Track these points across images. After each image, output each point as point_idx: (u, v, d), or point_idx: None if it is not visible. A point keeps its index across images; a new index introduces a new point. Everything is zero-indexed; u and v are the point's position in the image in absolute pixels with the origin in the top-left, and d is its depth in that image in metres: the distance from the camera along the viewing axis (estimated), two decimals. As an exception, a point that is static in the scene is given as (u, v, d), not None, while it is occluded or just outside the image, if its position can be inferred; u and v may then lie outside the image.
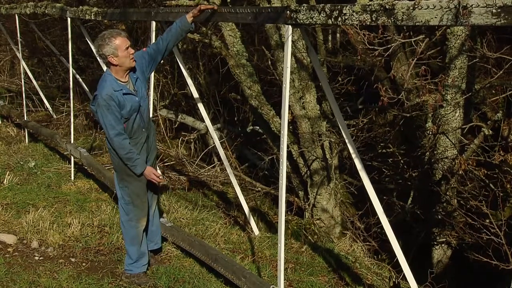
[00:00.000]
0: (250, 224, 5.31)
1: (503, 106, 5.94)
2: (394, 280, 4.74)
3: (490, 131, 5.58)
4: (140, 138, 4.09)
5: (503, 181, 5.06)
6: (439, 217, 5.86)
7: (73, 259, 4.61)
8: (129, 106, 3.93)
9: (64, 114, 9.77)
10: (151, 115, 4.60)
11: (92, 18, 6.07)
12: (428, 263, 5.91)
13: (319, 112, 5.79)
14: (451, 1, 2.44)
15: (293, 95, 5.55)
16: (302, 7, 3.16)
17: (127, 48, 3.87)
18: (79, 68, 10.68)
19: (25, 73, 9.20)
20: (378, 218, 3.73)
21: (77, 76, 9.06)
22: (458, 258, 5.93)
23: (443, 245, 5.93)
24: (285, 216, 3.94)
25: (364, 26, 3.72)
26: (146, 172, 4.06)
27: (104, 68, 6.55)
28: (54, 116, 9.83)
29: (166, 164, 7.61)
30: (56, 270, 4.39)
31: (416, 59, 4.81)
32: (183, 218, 5.57)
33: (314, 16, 3.10)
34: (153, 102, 5.67)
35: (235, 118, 8.74)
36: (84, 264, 4.55)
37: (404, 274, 3.68)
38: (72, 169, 6.79)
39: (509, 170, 5.04)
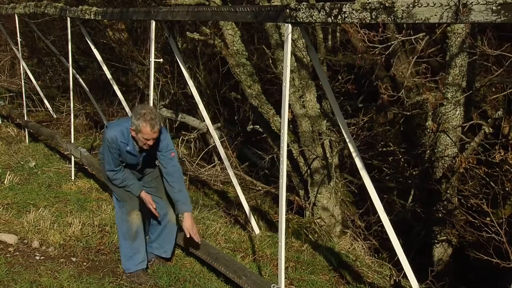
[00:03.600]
0: (250, 223, 5.31)
1: (503, 104, 5.94)
2: (394, 278, 4.74)
3: (491, 129, 5.58)
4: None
5: (503, 179, 5.06)
6: (440, 215, 5.85)
7: (74, 259, 4.61)
8: (127, 160, 4.12)
9: (64, 114, 9.78)
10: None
11: (92, 17, 6.08)
12: (429, 262, 5.90)
13: (319, 111, 5.79)
14: (451, -1, 2.44)
15: (293, 94, 5.55)
16: (302, 6, 3.16)
17: (147, 139, 3.92)
18: (79, 68, 10.68)
19: (25, 73, 9.19)
20: (378, 216, 3.73)
21: (77, 76, 9.04)
22: (458, 256, 5.93)
23: (443, 243, 5.93)
24: (286, 215, 3.94)
25: (364, 25, 3.72)
26: (143, 195, 4.24)
27: (104, 68, 6.60)
28: (54, 116, 9.84)
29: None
30: (57, 270, 4.38)
31: (416, 57, 4.81)
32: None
33: (313, 15, 3.10)
34: (153, 101, 5.66)
35: (235, 117, 8.73)
36: (85, 263, 4.54)
37: (404, 272, 3.68)
38: (73, 169, 6.79)
39: (509, 169, 5.03)
